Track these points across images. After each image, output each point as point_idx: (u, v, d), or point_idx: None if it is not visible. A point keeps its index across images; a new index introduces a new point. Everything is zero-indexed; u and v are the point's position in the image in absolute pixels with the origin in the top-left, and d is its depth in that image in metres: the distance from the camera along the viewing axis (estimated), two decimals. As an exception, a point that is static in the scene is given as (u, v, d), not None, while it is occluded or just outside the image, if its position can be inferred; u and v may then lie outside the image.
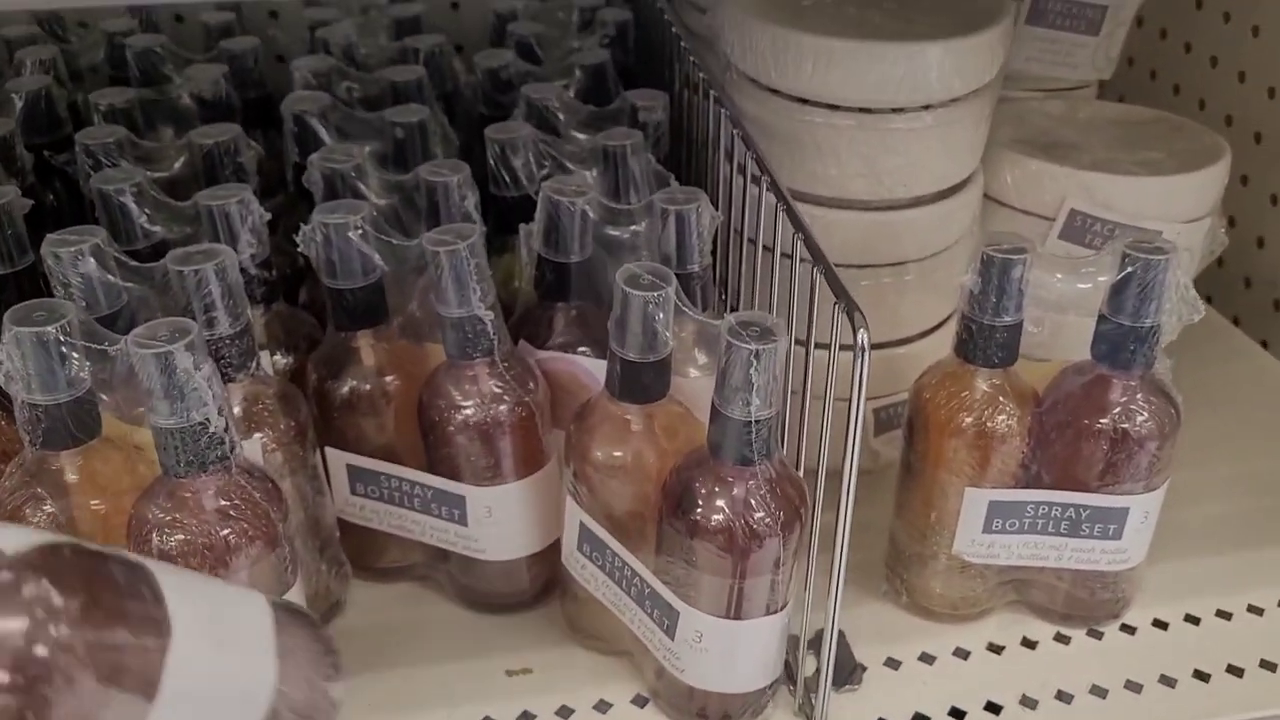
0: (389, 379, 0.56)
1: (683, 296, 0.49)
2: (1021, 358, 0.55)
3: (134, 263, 0.51)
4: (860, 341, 0.43)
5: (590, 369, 0.57)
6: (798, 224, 0.49)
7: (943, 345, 0.57)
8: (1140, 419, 0.53)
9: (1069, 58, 0.74)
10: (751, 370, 0.44)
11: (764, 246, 0.54)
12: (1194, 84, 0.91)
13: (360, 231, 0.53)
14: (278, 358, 0.58)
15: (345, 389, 0.56)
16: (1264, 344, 0.86)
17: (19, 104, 0.66)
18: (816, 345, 0.48)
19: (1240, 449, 0.73)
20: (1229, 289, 0.90)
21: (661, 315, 0.47)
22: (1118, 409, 0.53)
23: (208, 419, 0.44)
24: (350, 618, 0.60)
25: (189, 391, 0.43)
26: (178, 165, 0.62)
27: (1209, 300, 0.91)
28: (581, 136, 0.66)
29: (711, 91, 0.61)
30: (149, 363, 0.43)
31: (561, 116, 0.67)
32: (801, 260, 0.49)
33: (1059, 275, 0.52)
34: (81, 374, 0.45)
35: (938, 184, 0.61)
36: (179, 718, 0.32)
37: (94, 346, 0.45)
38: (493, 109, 0.72)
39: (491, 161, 0.62)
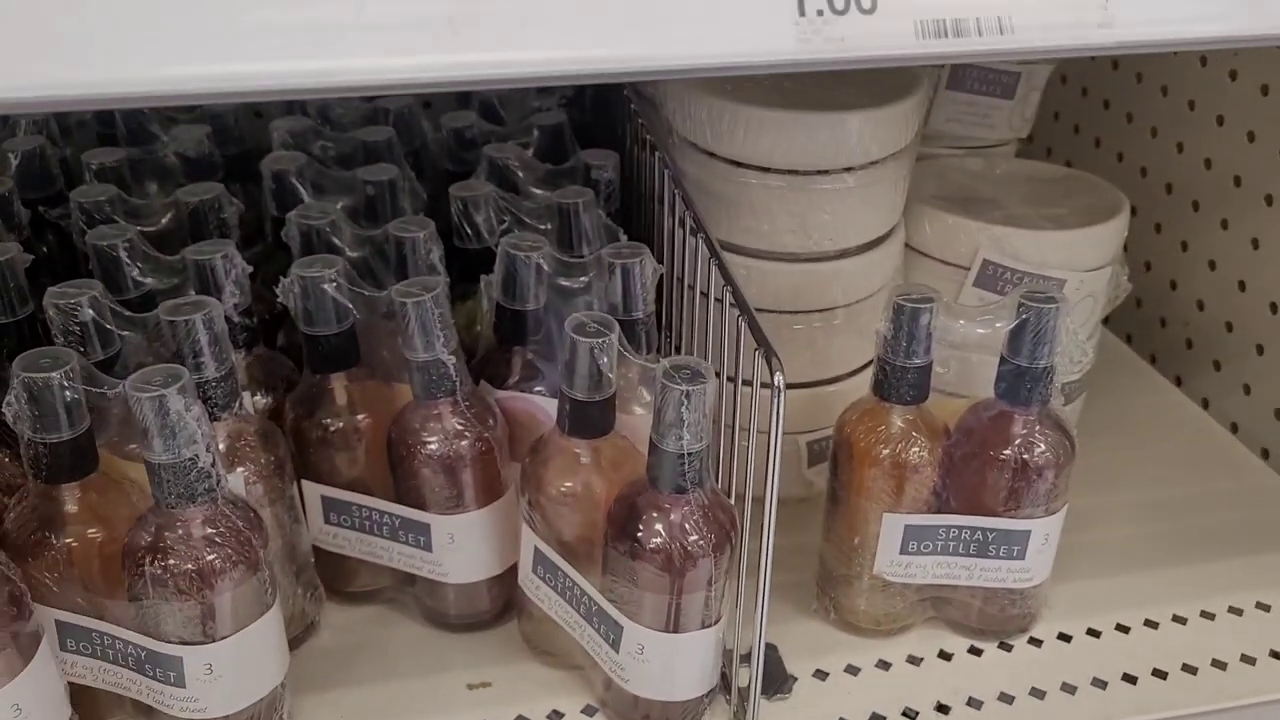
0: (360, 417, 0.61)
1: (625, 342, 0.54)
2: (936, 394, 0.61)
3: (128, 312, 0.56)
4: (777, 383, 0.49)
5: (545, 407, 0.62)
6: (727, 277, 0.55)
7: (869, 383, 0.63)
8: (1038, 450, 0.59)
9: (986, 119, 0.81)
10: (683, 409, 0.50)
11: (701, 293, 0.60)
12: (1113, 138, 0.98)
13: (335, 284, 0.58)
14: (258, 398, 0.63)
15: (320, 426, 0.61)
16: (1178, 380, 0.93)
17: (15, 162, 0.71)
18: (745, 384, 0.54)
19: (1144, 478, 0.79)
20: (1146, 328, 0.96)
21: (606, 359, 0.53)
22: (1018, 441, 0.59)
23: (197, 455, 0.49)
24: (324, 638, 0.65)
25: (180, 430, 0.48)
26: (165, 220, 0.67)
27: (1128, 339, 0.98)
28: (539, 192, 0.72)
29: (657, 152, 0.67)
30: (145, 405, 0.48)
31: (521, 174, 0.73)
32: (731, 306, 0.55)
33: (962, 321, 0.58)
34: (81, 415, 0.50)
35: (861, 237, 0.68)
36: None
37: (94, 390, 0.50)
38: (457, 165, 0.77)
39: (455, 216, 0.68)
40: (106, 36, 0.34)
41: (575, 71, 0.35)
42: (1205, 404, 0.90)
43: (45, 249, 0.71)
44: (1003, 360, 0.59)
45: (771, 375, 0.49)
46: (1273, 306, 0.83)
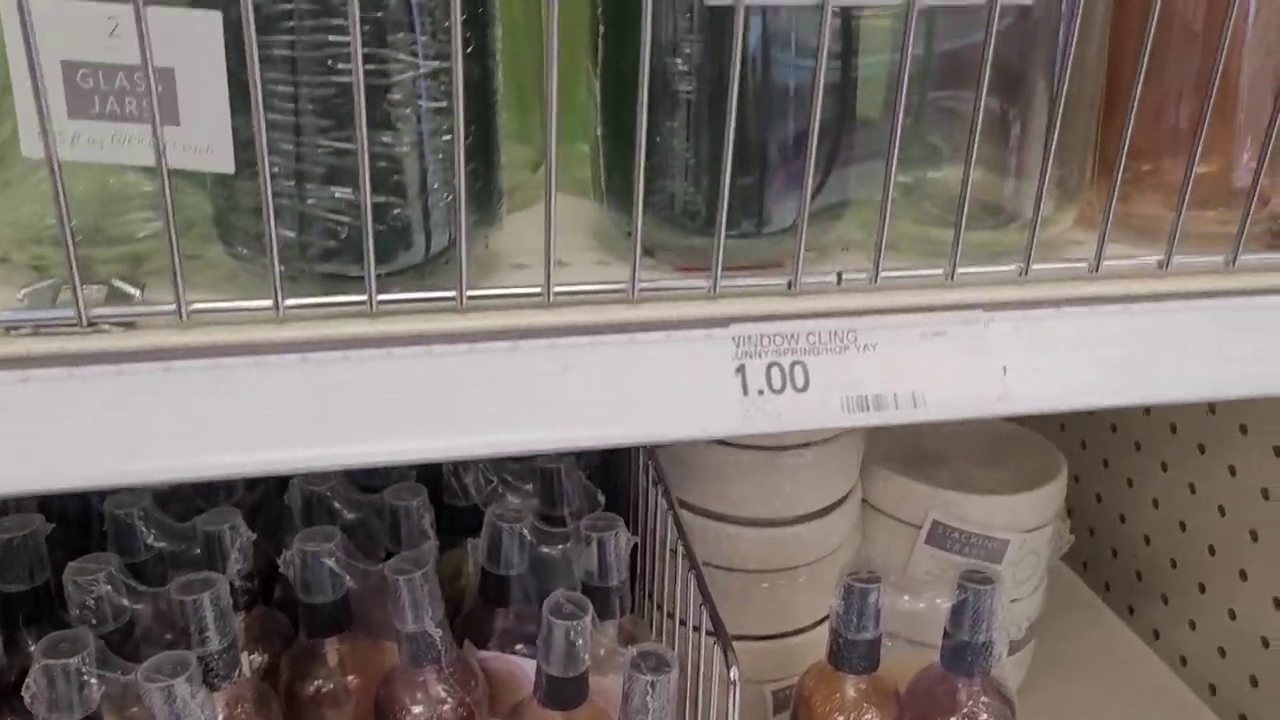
0: (350, 678, 0.65)
1: (598, 620, 0.59)
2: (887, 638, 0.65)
3: (141, 587, 0.61)
4: (732, 677, 0.54)
5: (525, 666, 0.67)
6: (692, 559, 0.61)
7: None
8: (982, 717, 0.64)
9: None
10: (648, 696, 0.55)
11: (671, 551, 0.65)
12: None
13: (333, 557, 0.63)
14: (255, 656, 0.67)
15: (312, 687, 0.65)
16: (1130, 609, 0.97)
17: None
18: (709, 633, 0.58)
19: (1094, 716, 0.83)
20: (1099, 558, 1.02)
21: (580, 641, 0.58)
22: (963, 710, 0.64)
23: (200, 738, 0.53)
24: None
25: (185, 715, 0.53)
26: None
27: (1084, 566, 1.03)
28: (524, 450, 0.78)
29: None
30: (155, 695, 0.52)
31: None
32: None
33: (907, 597, 0.64)
34: (92, 698, 0.54)
35: (820, 503, 0.74)
36: None
37: (108, 675, 0.54)
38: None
39: (446, 477, 0.74)
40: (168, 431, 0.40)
41: (561, 448, 0.41)
42: (1156, 634, 0.94)
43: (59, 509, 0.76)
44: (946, 634, 0.64)
45: (728, 670, 0.54)
46: (1211, 549, 0.88)
